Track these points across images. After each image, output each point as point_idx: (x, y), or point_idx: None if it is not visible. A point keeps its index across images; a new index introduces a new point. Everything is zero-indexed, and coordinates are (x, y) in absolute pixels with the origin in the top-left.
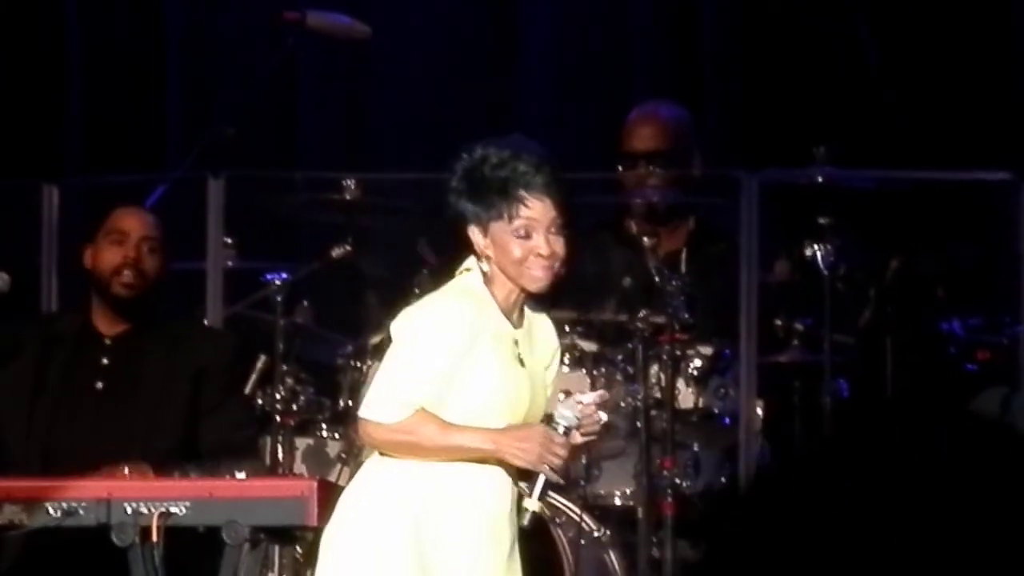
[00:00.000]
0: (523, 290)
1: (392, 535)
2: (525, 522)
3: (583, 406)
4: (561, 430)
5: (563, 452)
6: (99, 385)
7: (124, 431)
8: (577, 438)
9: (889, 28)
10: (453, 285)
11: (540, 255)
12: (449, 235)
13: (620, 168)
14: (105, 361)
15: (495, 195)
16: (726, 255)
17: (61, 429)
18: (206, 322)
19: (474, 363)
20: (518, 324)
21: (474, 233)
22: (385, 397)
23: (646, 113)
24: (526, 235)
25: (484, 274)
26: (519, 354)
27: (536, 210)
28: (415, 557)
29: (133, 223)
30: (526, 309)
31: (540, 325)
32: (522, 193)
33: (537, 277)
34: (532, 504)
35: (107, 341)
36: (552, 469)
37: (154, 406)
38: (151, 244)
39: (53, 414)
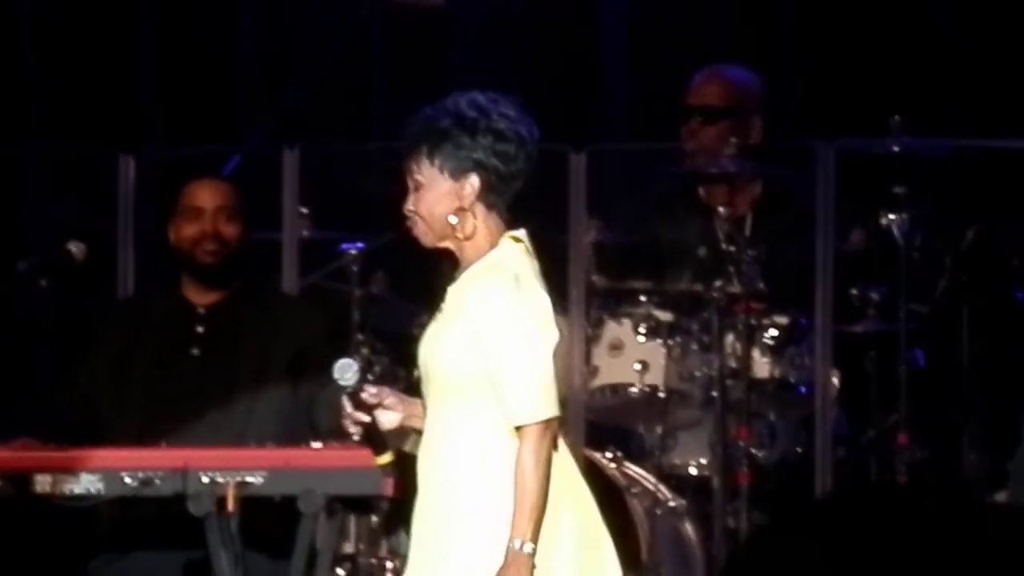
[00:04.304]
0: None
1: None
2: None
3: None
4: (347, 391)
5: (353, 419)
6: (195, 351)
7: (225, 395)
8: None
9: None
10: None
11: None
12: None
13: (680, 125)
14: (200, 329)
15: None
16: (795, 222)
17: (158, 396)
18: (286, 289)
19: None
20: (456, 280)
21: None
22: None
23: (709, 71)
24: None
25: None
26: (442, 307)
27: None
28: None
29: (206, 196)
30: (472, 268)
31: (468, 289)
32: None
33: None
34: (377, 460)
35: (200, 310)
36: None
37: (254, 370)
38: (228, 212)
39: (149, 384)
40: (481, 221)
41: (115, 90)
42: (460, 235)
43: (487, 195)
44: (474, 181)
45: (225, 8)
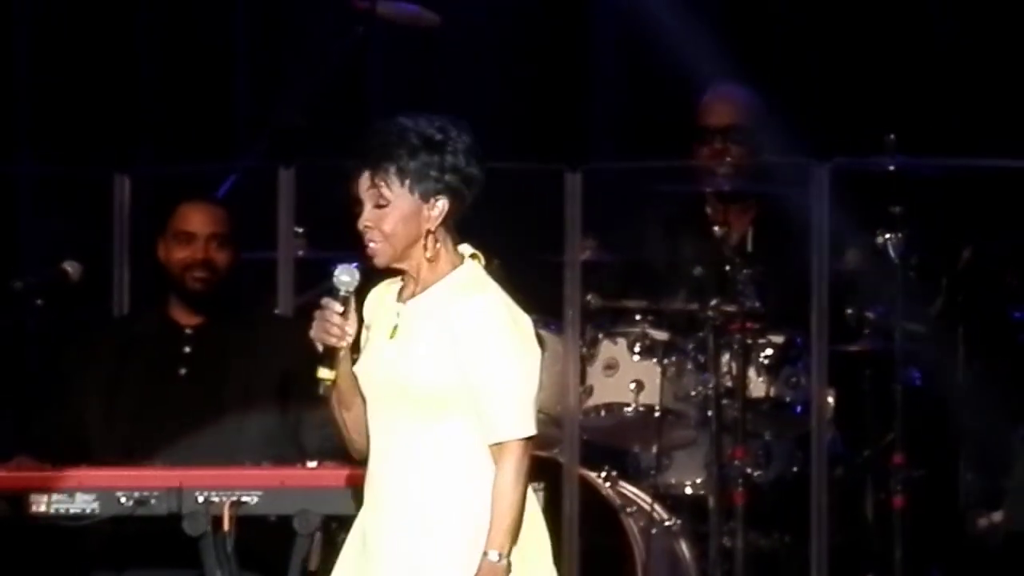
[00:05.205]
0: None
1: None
2: (320, 391)
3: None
4: (339, 295)
5: (337, 322)
6: (182, 371)
7: (212, 415)
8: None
9: (962, 12)
10: None
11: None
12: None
13: (695, 144)
14: (187, 350)
15: None
16: (793, 241)
17: (145, 417)
18: (278, 311)
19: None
20: (410, 296)
21: None
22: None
23: (722, 91)
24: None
25: None
26: (395, 326)
27: (358, 182)
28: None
29: (199, 221)
30: (438, 286)
31: (451, 304)
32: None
33: (368, 251)
34: (322, 373)
35: (187, 331)
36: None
37: (242, 390)
38: (219, 239)
39: (136, 404)
40: (441, 242)
41: (110, 108)
42: (427, 256)
43: (449, 217)
44: (442, 204)
45: (221, 26)
